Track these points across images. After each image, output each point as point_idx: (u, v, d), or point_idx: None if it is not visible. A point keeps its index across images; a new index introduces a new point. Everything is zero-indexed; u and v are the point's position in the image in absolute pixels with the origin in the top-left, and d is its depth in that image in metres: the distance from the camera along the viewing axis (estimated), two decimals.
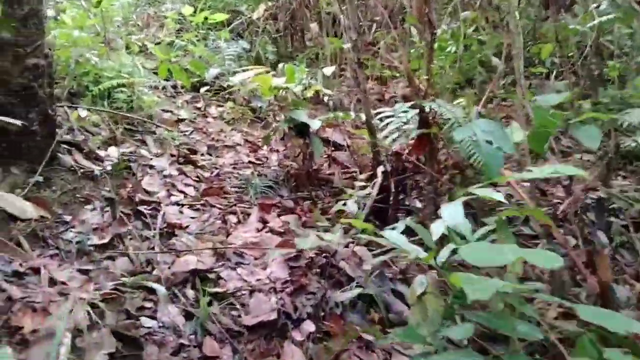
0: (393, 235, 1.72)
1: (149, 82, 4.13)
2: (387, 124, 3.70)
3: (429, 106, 2.82)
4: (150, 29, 7.41)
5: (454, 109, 2.81)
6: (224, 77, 5.25)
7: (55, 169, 2.91)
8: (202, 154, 3.80)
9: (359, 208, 2.80)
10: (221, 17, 5.70)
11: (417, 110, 2.95)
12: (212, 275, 2.31)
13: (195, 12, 5.88)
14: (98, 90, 3.78)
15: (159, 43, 6.55)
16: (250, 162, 3.84)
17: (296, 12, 6.59)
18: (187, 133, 4.10)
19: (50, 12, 5.05)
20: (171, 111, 4.38)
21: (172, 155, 3.53)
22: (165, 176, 3.20)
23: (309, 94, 3.87)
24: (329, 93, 3.85)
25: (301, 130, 3.37)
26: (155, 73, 5.61)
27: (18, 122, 2.58)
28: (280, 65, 4.30)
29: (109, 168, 3.09)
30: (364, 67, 4.62)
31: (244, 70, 3.67)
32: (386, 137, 3.45)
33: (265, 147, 4.12)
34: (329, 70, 5.10)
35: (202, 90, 4.80)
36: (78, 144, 3.18)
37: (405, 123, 3.46)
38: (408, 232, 1.86)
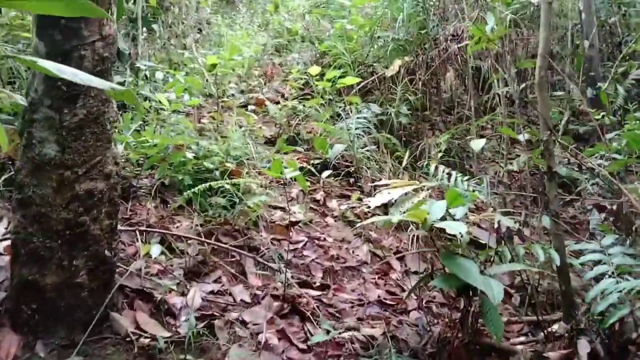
0: None
1: (258, 182, 3.16)
2: (593, 267, 2.42)
3: None
4: (272, 83, 6.64)
5: None
6: (348, 152, 4.21)
7: (103, 340, 1.98)
8: (315, 283, 2.73)
9: None
10: (352, 80, 4.68)
11: None
12: None
13: (323, 74, 4.92)
14: (192, 194, 2.87)
15: (277, 102, 5.72)
16: (380, 300, 2.69)
17: (438, 68, 5.39)
18: (299, 246, 3.06)
19: (159, 75, 4.35)
20: (283, 208, 3.39)
21: (275, 297, 2.49)
22: (259, 343, 2.15)
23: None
24: (505, 222, 2.59)
25: (465, 287, 2.17)
26: (272, 142, 4.75)
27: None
28: (432, 168, 3.14)
29: (182, 331, 2.11)
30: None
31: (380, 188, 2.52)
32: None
33: (399, 269, 2.96)
34: (478, 143, 3.89)
35: (324, 175, 3.77)
36: (144, 291, 2.24)
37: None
38: None
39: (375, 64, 5.83)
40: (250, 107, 5.13)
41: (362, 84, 5.42)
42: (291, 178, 2.74)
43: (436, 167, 3.18)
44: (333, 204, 3.58)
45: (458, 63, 5.12)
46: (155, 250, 2.31)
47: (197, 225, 2.92)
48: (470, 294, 2.25)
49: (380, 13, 5.80)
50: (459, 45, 4.89)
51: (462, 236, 2.37)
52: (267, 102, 5.45)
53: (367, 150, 4.34)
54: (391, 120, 5.05)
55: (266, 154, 4.00)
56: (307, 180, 3.80)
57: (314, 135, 4.48)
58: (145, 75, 4.39)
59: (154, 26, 4.99)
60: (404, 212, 2.39)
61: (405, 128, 5.17)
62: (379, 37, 5.94)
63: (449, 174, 3.11)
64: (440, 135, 5.05)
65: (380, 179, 3.92)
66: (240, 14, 10.86)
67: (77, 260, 1.97)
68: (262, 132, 4.47)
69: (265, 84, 6.75)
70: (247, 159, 3.69)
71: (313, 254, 3.00)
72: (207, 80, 4.54)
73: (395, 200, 2.44)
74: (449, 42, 5.06)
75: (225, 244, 2.85)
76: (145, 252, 2.32)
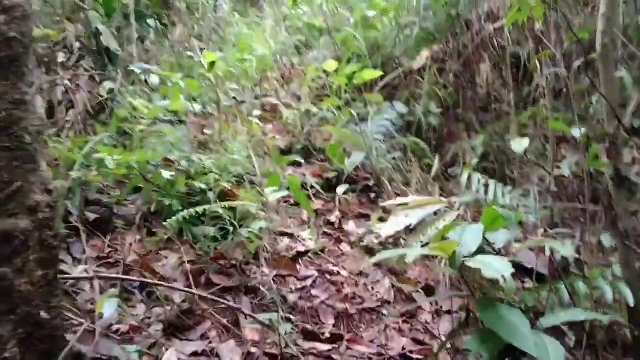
0: None
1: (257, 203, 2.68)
2: None
3: None
4: (290, 86, 6.16)
5: None
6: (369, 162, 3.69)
7: None
8: (324, 334, 2.24)
9: None
10: (373, 74, 4.17)
11: None
12: None
13: (338, 68, 4.41)
14: (178, 221, 2.41)
15: (288, 107, 5.24)
16: (405, 355, 2.18)
17: (471, 57, 4.80)
18: (308, 282, 2.58)
19: (155, 79, 3.93)
20: (291, 234, 2.91)
21: (272, 358, 2.02)
22: None
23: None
24: (559, 249, 2.03)
25: (509, 349, 1.65)
26: (287, 153, 4.27)
27: None
28: (464, 176, 2.61)
29: None
30: None
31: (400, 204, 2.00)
32: None
33: (429, 308, 2.45)
34: (520, 144, 3.35)
35: (339, 190, 3.28)
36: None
37: None
38: None
39: (400, 57, 5.28)
40: (259, 114, 4.66)
41: (385, 80, 4.89)
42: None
43: (469, 177, 2.64)
44: (350, 226, 3.08)
45: (495, 49, 4.51)
46: (109, 308, 1.85)
47: (186, 262, 2.47)
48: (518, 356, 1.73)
49: None
50: (496, 26, 4.29)
51: (505, 280, 1.84)
52: (281, 107, 4.98)
53: (393, 159, 3.82)
54: (419, 121, 4.51)
55: (272, 168, 3.52)
56: (320, 198, 3.32)
57: (330, 143, 3.98)
58: (143, 80, 3.98)
59: (151, 22, 4.56)
60: (426, 244, 1.88)
61: (436, 129, 4.61)
62: (406, 25, 5.38)
63: (486, 185, 2.57)
64: (476, 137, 4.47)
65: (406, 193, 3.40)
66: (263, 13, 10.45)
67: (0, 328, 1.54)
68: (273, 142, 4.00)
69: (282, 86, 6.29)
70: (252, 175, 3.23)
71: (324, 294, 2.51)
72: (210, 84, 4.09)
73: (415, 226, 1.92)
74: (482, 22, 4.46)
75: (217, 286, 2.39)
76: (99, 309, 1.87)
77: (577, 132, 2.79)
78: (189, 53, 5.25)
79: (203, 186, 2.75)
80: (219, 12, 9.60)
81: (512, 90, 4.66)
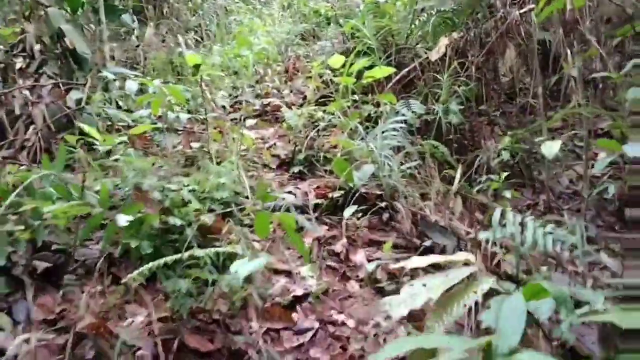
0: None
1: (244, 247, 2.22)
2: None
3: None
4: (295, 82, 5.67)
5: None
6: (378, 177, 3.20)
7: None
8: None
9: None
10: (384, 72, 3.66)
11: None
12: None
13: (345, 63, 3.92)
14: (143, 274, 1.97)
15: (298, 106, 4.76)
16: None
17: (495, 45, 4.26)
18: (306, 339, 2.12)
19: (132, 86, 3.47)
20: (288, 272, 2.46)
21: None
22: None
23: None
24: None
25: None
26: (286, 163, 3.80)
27: None
28: (496, 216, 2.11)
29: None
30: None
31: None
32: None
33: None
34: (551, 147, 2.95)
35: (347, 213, 2.81)
36: None
37: None
38: None
39: (417, 46, 4.76)
40: (255, 122, 4.19)
41: (400, 74, 4.38)
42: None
43: (502, 213, 2.15)
44: (359, 257, 2.60)
45: (520, 36, 3.97)
46: None
47: (155, 320, 2.03)
48: None
49: None
50: (522, 11, 3.75)
51: None
52: (284, 108, 4.50)
53: (408, 168, 3.33)
54: (438, 121, 4.00)
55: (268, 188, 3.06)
56: (324, 222, 2.85)
57: (337, 153, 3.51)
58: (118, 87, 3.53)
59: (126, 18, 4.07)
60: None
61: (457, 130, 4.09)
62: (422, 9, 4.85)
63: (522, 224, 2.08)
64: (501, 137, 3.96)
65: (424, 213, 2.91)
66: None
67: None
68: (269, 154, 3.54)
69: (286, 82, 5.80)
70: (242, 197, 2.78)
71: (324, 354, 2.05)
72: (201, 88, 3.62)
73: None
74: (507, 7, 3.92)
75: (193, 352, 1.95)
76: None
77: (632, 149, 2.20)
78: (180, 49, 4.79)
79: (180, 222, 2.30)
80: None
81: (539, 82, 4.11)
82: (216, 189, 2.62)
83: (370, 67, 3.72)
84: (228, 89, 5.47)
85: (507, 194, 3.00)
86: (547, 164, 3.70)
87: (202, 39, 7.56)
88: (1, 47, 3.47)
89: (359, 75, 3.89)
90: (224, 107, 3.73)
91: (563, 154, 4.28)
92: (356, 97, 3.75)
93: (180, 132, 3.60)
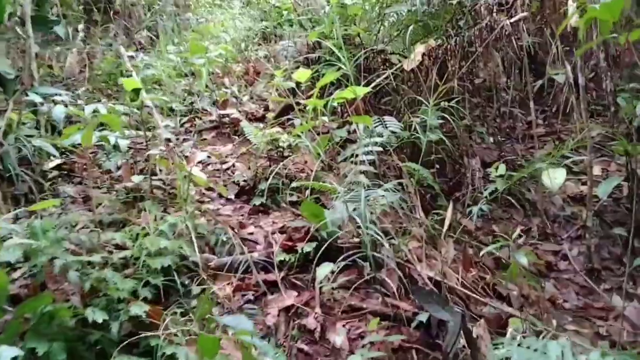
0: None
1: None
2: None
3: None
4: (255, 87, 5.02)
5: None
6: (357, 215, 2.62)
7: None
8: None
9: None
10: (357, 92, 3.05)
11: None
12: None
13: (315, 77, 3.31)
14: None
15: (259, 118, 4.15)
16: None
17: (481, 56, 3.70)
18: None
19: (59, 112, 2.78)
20: None
21: None
22: None
23: None
24: None
25: None
26: (247, 193, 3.19)
27: None
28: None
29: None
30: None
31: None
32: None
33: None
34: (554, 178, 2.53)
35: (321, 272, 2.22)
36: None
37: None
38: None
39: (389, 53, 4.17)
40: (213, 134, 3.55)
41: (371, 86, 3.79)
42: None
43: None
44: (338, 338, 2.03)
45: (510, 46, 3.43)
46: None
47: None
48: None
49: None
50: (513, 20, 3.20)
51: None
52: (243, 122, 3.86)
53: (391, 203, 2.76)
54: (416, 138, 3.44)
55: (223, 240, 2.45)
56: (294, 285, 2.28)
57: (304, 182, 2.91)
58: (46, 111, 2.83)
59: (59, 29, 3.33)
60: None
61: (438, 149, 3.55)
62: (392, 12, 4.27)
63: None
64: (492, 163, 3.44)
65: (413, 266, 2.36)
66: None
67: None
68: (225, 190, 2.91)
69: (246, 87, 5.14)
70: (189, 262, 2.16)
71: None
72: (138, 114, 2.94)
73: None
74: (494, 14, 3.37)
75: None
76: None
77: None
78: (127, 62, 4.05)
79: (103, 316, 1.68)
80: None
81: (531, 96, 3.61)
82: (156, 254, 2.00)
83: (339, 83, 3.12)
84: (182, 94, 4.80)
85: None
86: (540, 184, 3.19)
87: (157, 36, 6.79)
88: None
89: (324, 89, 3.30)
90: (168, 140, 3.02)
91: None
92: (325, 118, 3.14)
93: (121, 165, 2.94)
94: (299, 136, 3.12)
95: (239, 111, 4.45)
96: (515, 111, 4.24)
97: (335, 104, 3.02)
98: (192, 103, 4.63)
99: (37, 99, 2.74)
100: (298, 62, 4.63)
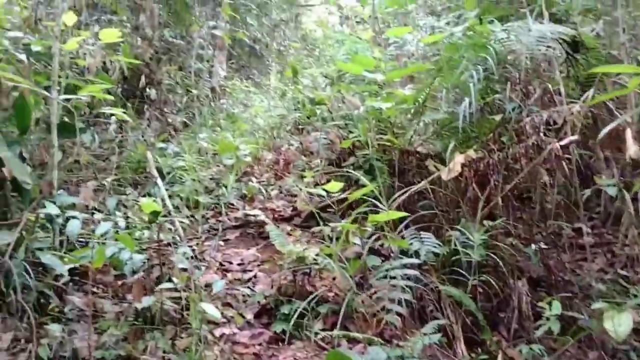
0: None
1: None
2: None
3: None
4: (285, 180, 4.75)
5: None
6: None
7: None
8: None
9: None
10: (392, 216, 2.73)
11: None
12: None
13: (346, 190, 3.01)
14: None
15: (288, 219, 3.84)
16: None
17: (528, 176, 3.34)
18: None
19: (74, 227, 2.50)
20: None
21: None
22: None
23: None
24: None
25: None
26: (268, 314, 2.81)
27: None
28: None
29: None
30: None
31: None
32: None
33: None
34: (621, 325, 2.06)
35: None
36: None
37: None
38: None
39: (425, 159, 3.86)
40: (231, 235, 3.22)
41: (408, 192, 3.47)
42: None
43: None
44: None
45: (561, 169, 3.08)
46: None
47: None
48: None
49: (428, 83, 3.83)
50: (564, 143, 2.86)
51: None
52: (270, 225, 3.54)
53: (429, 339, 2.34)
54: (456, 255, 3.06)
55: None
56: None
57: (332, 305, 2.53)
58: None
59: (86, 137, 3.14)
60: None
61: (480, 268, 3.14)
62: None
63: None
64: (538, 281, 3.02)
65: None
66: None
67: None
68: (241, 319, 2.56)
69: (275, 178, 4.89)
70: None
71: None
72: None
73: None
74: (540, 134, 3.04)
75: None
76: None
77: None
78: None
79: None
80: (214, 78, 8.33)
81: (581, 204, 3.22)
82: None
83: (375, 203, 2.78)
84: (209, 183, 4.56)
85: None
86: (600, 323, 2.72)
87: (191, 120, 6.72)
88: None
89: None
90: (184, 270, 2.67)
91: (605, 286, 3.35)
92: (357, 241, 2.79)
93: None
94: (329, 255, 2.77)
95: (266, 208, 4.17)
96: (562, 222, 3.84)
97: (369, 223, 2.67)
98: (218, 196, 4.38)
99: (54, 211, 2.49)
100: (330, 159, 4.37)
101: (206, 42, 8.39)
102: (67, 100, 2.54)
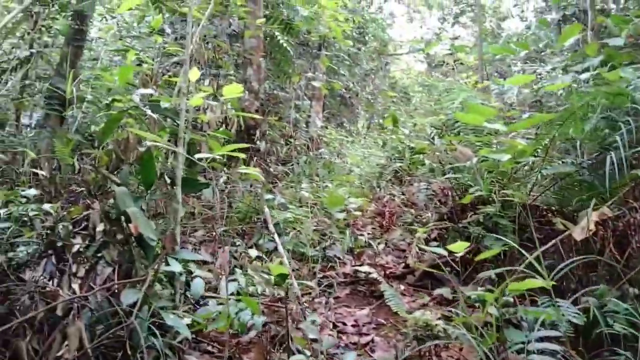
0: None
1: None
2: None
3: None
4: (391, 234, 4.57)
5: None
6: None
7: None
8: None
9: None
10: (536, 284, 2.46)
11: None
12: None
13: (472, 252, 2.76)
14: None
15: (401, 277, 3.63)
16: None
17: None
18: None
19: (199, 288, 2.46)
20: None
21: None
22: None
23: None
24: None
25: None
26: None
27: None
28: None
29: None
30: None
31: None
32: None
33: None
34: None
35: None
36: None
37: None
38: None
39: (545, 215, 3.53)
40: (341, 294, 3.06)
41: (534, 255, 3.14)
42: None
43: None
44: None
45: None
46: None
47: None
48: None
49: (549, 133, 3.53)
50: None
51: None
52: (384, 284, 3.35)
53: None
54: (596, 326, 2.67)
55: None
56: None
57: None
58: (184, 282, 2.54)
59: (207, 192, 3.16)
60: None
61: (625, 342, 2.73)
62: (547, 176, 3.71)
63: None
64: None
65: None
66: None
67: None
68: None
69: (381, 231, 4.71)
70: None
71: None
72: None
73: None
74: None
75: None
76: None
77: None
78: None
79: None
80: (311, 127, 8.44)
81: None
82: None
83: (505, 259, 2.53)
84: (314, 234, 4.46)
85: None
86: None
87: (291, 171, 6.77)
88: (66, 223, 2.66)
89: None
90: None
91: None
92: (494, 311, 2.52)
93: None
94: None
95: (376, 264, 3.98)
96: None
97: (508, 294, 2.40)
98: (324, 248, 4.26)
99: (177, 269, 2.47)
100: (440, 213, 4.13)
101: (302, 92, 8.57)
102: (200, 159, 2.54)
